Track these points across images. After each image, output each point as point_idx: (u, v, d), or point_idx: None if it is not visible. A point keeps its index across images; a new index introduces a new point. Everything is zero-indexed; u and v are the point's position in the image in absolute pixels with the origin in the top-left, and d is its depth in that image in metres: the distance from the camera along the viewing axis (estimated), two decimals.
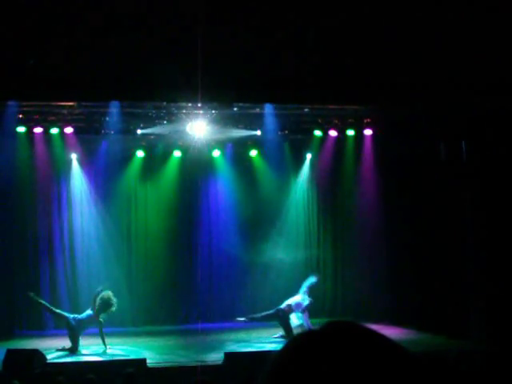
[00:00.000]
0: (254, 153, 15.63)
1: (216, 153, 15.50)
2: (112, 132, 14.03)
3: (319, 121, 14.73)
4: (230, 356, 10.36)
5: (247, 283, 15.37)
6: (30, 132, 13.89)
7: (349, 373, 0.88)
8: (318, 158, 15.64)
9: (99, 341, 12.18)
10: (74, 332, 11.43)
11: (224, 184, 15.71)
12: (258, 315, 12.85)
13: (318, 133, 14.98)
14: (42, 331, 13.84)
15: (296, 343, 0.96)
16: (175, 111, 13.67)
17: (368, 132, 14.82)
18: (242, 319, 12.69)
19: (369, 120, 14.64)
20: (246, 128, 14.52)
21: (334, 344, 0.92)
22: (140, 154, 15.20)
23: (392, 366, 0.91)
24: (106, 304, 11.66)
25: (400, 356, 0.93)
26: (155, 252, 15.27)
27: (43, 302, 12.01)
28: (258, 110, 13.88)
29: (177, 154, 15.36)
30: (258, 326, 14.22)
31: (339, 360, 0.89)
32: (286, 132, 14.89)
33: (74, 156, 14.76)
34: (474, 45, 10.03)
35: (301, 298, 12.90)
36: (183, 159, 15.34)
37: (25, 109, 13.25)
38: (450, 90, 11.55)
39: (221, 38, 9.74)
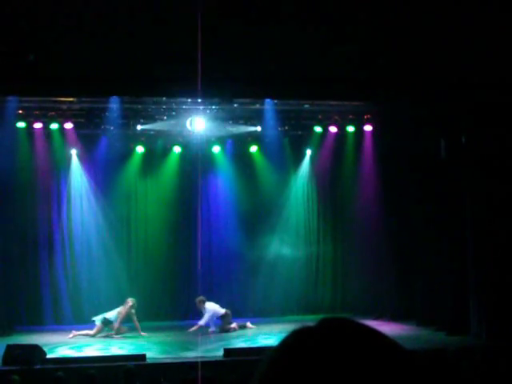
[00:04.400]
0: (253, 149, 15.62)
1: (216, 149, 15.49)
2: (112, 128, 14.04)
3: (319, 117, 14.74)
4: (229, 351, 10.38)
5: (247, 278, 15.38)
6: (29, 127, 13.89)
7: (343, 370, 0.88)
8: (318, 153, 15.64)
9: (100, 337, 12.35)
10: None
11: (224, 180, 15.71)
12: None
13: (318, 129, 15.00)
14: (41, 327, 13.86)
15: (291, 340, 0.96)
16: (175, 107, 13.67)
17: (368, 128, 14.83)
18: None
19: (369, 116, 14.65)
20: (245, 124, 14.53)
21: (328, 341, 0.92)
22: (140, 149, 15.19)
23: (388, 363, 0.90)
24: None
25: (396, 353, 0.93)
26: (155, 248, 15.28)
27: None
28: (258, 106, 13.88)
29: (177, 149, 15.35)
30: (258, 321, 14.25)
31: (333, 357, 0.89)
32: (286, 128, 14.89)
33: (73, 151, 14.75)
34: (473, 40, 10.02)
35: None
36: (183, 155, 15.33)
37: (25, 104, 13.25)
38: (450, 86, 11.54)
39: (221, 34, 9.72)
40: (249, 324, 13.58)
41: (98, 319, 12.71)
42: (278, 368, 0.91)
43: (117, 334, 12.67)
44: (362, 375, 0.87)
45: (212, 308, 13.25)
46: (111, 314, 12.80)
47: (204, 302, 13.32)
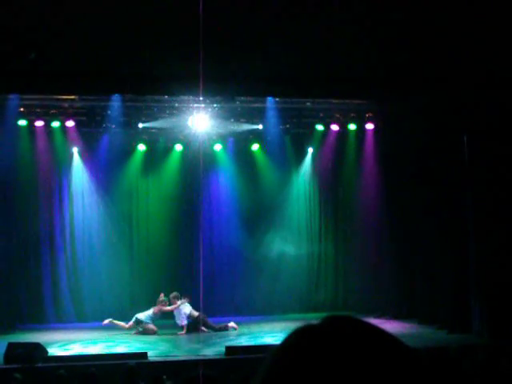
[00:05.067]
0: (255, 147, 15.62)
1: (217, 147, 15.48)
2: (113, 126, 14.04)
3: (321, 115, 14.73)
4: (231, 349, 10.38)
5: (248, 277, 15.38)
6: (31, 125, 13.90)
7: (348, 368, 0.87)
8: (320, 152, 15.64)
9: (102, 334, 12.37)
10: None
11: (225, 178, 15.70)
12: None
13: (319, 127, 15.00)
14: (43, 325, 13.87)
15: (295, 338, 0.95)
16: (177, 105, 13.67)
17: (369, 126, 14.82)
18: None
19: (370, 114, 14.64)
20: (247, 122, 14.52)
21: (333, 339, 0.91)
22: (141, 147, 15.20)
23: (392, 361, 0.90)
24: None
25: (400, 351, 0.92)
26: (157, 246, 15.29)
27: None
28: (259, 104, 13.87)
29: (178, 147, 15.36)
30: (259, 319, 14.26)
31: (338, 356, 0.89)
32: (288, 126, 14.88)
33: (75, 149, 14.76)
34: (476, 38, 10.00)
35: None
36: (185, 153, 15.33)
37: (26, 102, 13.26)
38: (452, 84, 11.52)
39: (223, 32, 9.71)
40: (232, 324, 13.34)
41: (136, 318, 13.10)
42: (281, 367, 0.91)
43: (148, 333, 12.89)
44: (367, 374, 0.87)
45: (182, 306, 13.21)
46: (144, 315, 13.06)
47: (178, 299, 13.30)
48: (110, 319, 13.02)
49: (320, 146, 15.54)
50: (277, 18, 9.66)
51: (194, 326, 13.05)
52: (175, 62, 10.41)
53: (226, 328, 13.11)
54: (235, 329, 13.14)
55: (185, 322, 12.99)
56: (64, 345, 11.43)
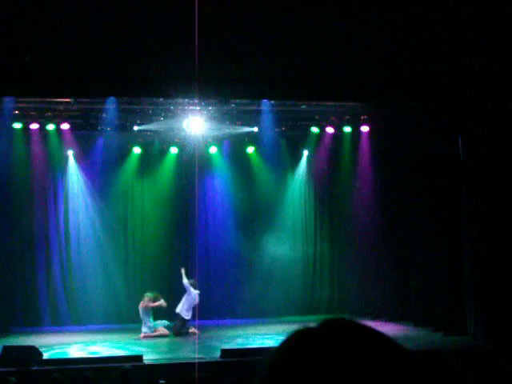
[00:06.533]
0: (250, 149, 15.62)
1: (213, 149, 15.48)
2: (108, 128, 14.03)
3: (316, 117, 14.75)
4: (226, 352, 10.37)
5: (244, 279, 15.38)
6: (26, 128, 13.87)
7: (345, 371, 0.87)
8: (315, 154, 15.65)
9: (97, 337, 12.29)
10: None
11: (221, 181, 15.70)
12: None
13: (314, 129, 15.02)
14: (38, 328, 13.84)
15: (293, 341, 0.95)
16: (172, 107, 13.66)
17: (365, 129, 14.84)
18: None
19: (365, 117, 14.65)
20: (242, 124, 14.53)
21: (331, 342, 0.91)
22: (137, 150, 15.17)
23: (388, 364, 0.90)
24: None
25: (396, 354, 0.93)
26: (152, 249, 15.26)
27: None
28: (255, 107, 13.87)
29: (173, 150, 15.34)
30: (255, 322, 14.25)
31: (336, 359, 0.89)
32: (283, 129, 14.90)
33: (70, 152, 14.72)
34: (472, 40, 10.02)
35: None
36: (180, 156, 15.32)
37: (21, 105, 13.22)
38: (447, 86, 11.55)
39: (218, 34, 9.71)
40: (194, 329, 13.20)
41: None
42: (279, 369, 0.91)
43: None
44: (364, 376, 0.87)
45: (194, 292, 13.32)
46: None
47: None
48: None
49: (315, 148, 15.56)
50: (272, 20, 9.67)
51: (181, 323, 13.09)
52: (170, 64, 10.41)
53: (186, 333, 13.08)
54: (194, 334, 13.07)
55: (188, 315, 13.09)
56: (59, 348, 11.41)
